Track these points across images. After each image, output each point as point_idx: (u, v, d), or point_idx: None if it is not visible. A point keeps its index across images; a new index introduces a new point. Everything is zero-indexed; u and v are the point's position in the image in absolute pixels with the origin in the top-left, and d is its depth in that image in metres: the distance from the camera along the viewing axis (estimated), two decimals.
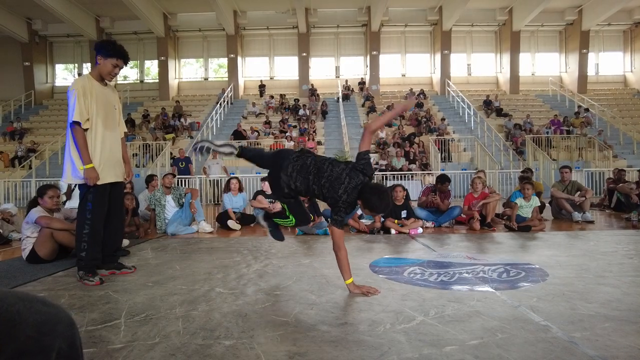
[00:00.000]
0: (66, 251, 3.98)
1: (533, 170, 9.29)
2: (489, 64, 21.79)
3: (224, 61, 22.10)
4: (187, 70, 23.03)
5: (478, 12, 20.11)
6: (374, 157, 14.18)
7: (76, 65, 22.45)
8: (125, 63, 3.30)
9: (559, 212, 6.95)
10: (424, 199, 6.33)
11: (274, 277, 3.16)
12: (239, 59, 21.21)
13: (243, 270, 3.40)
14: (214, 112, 17.20)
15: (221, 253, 4.20)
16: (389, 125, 16.52)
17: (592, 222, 6.35)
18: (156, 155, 13.76)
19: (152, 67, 22.57)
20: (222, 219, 6.23)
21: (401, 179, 12.04)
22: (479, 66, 21.88)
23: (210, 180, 11.66)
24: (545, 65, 21.70)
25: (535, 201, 5.97)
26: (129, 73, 23.03)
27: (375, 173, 12.43)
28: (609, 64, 21.74)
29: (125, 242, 4.61)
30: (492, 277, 3.02)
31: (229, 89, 19.66)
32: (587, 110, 17.14)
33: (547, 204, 7.36)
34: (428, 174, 12.46)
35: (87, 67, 21.96)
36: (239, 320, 2.21)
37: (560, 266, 3.39)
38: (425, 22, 20.78)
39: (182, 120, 17.03)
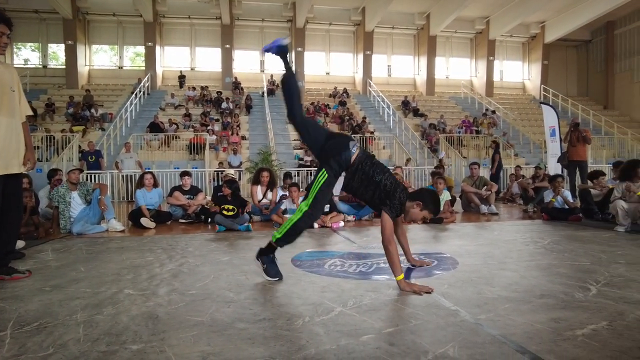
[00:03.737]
0: None
1: (445, 165, 9.93)
2: (408, 66, 22.88)
3: (141, 49, 20.72)
4: (99, 57, 21.25)
5: (399, 15, 21.01)
6: (299, 154, 14.24)
7: None
8: (10, 29, 2.89)
9: (468, 205, 7.49)
10: (346, 194, 6.46)
11: (189, 276, 3.00)
12: (158, 47, 20.03)
13: (156, 270, 3.20)
14: (128, 102, 16.06)
15: (132, 253, 3.92)
16: None
17: (496, 214, 6.93)
18: (62, 148, 12.51)
19: (58, 51, 20.45)
20: (134, 216, 5.83)
21: None
22: (398, 68, 22.88)
23: (123, 176, 10.87)
24: (458, 70, 23.31)
25: (446, 195, 6.37)
26: (29, 56, 20.71)
27: (300, 169, 12.49)
28: (511, 71, 23.95)
29: (20, 243, 4.10)
30: (408, 266, 3.14)
31: (146, 78, 18.49)
32: (494, 112, 18.71)
33: (457, 198, 7.90)
34: None
35: None
36: (149, 322, 2.05)
37: (468, 254, 3.64)
38: (349, 22, 21.25)
39: (92, 110, 15.69)
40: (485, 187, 7.44)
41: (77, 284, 2.80)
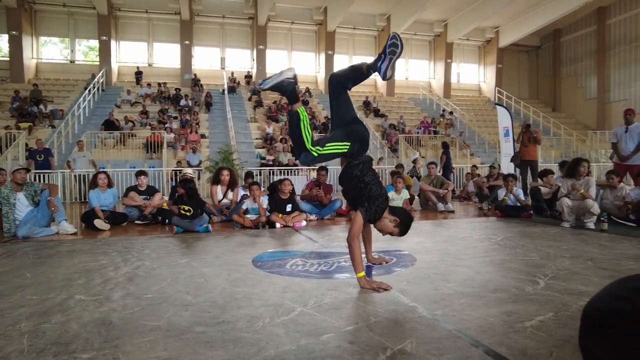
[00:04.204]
0: None
1: (404, 166, 10.17)
2: None
3: (94, 43, 19.81)
4: (48, 50, 20.11)
5: (360, 16, 21.25)
6: (261, 153, 14.11)
7: None
8: None
9: (426, 204, 7.69)
10: (308, 193, 6.47)
11: (145, 279, 2.90)
12: (113, 42, 19.24)
13: (110, 274, 3.07)
14: (81, 98, 15.32)
15: (85, 256, 3.74)
16: (276, 120, 16.59)
17: (452, 211, 7.15)
18: (6, 146, 11.77)
19: (1, 42, 19.17)
20: (88, 218, 5.57)
21: (288, 173, 12.17)
22: None
23: (75, 175, 10.37)
24: (417, 71, 23.87)
25: (405, 194, 6.52)
26: None
27: (262, 168, 12.38)
28: (468, 74, 24.81)
29: None
30: (367, 264, 3.19)
31: (101, 74, 17.72)
32: (451, 113, 19.31)
33: (416, 196, 8.10)
34: (313, 169, 12.79)
35: None
36: (102, 329, 1.97)
37: (426, 251, 3.74)
38: (311, 21, 21.27)
39: (41, 106, 14.85)
40: (443, 185, 7.66)
41: (22, 291, 2.64)
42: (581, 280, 2.73)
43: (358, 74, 2.82)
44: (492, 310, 2.15)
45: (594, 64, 21.58)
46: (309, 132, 2.60)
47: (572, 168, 5.45)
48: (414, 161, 12.14)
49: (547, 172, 6.66)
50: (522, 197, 6.58)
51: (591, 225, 5.05)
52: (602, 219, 4.95)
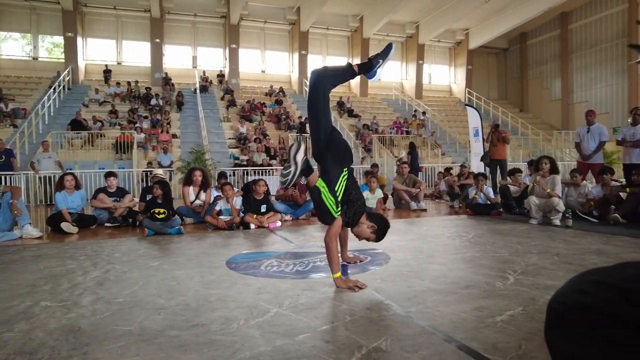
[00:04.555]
0: None
1: (379, 165, 10.28)
2: None
3: (59, 40, 19.09)
4: (8, 46, 19.23)
5: (333, 17, 21.33)
6: (234, 153, 13.96)
7: None
8: None
9: (399, 202, 7.79)
10: (282, 193, 6.45)
11: (116, 283, 2.82)
12: (79, 39, 18.60)
13: (78, 278, 2.97)
14: (46, 97, 14.75)
15: (52, 261, 3.61)
16: (250, 120, 16.45)
17: (425, 210, 7.28)
18: None
19: None
20: (54, 221, 5.37)
21: (262, 174, 12.09)
22: None
23: (40, 177, 9.98)
24: (390, 72, 24.14)
25: (379, 193, 6.59)
26: None
27: (236, 168, 12.26)
28: (439, 75, 25.29)
29: None
30: (342, 263, 3.20)
31: (67, 72, 17.11)
32: (424, 113, 19.63)
33: (389, 195, 8.20)
34: None
35: None
36: (70, 336, 1.90)
37: (400, 250, 3.79)
38: (284, 20, 21.20)
39: (1, 105, 14.21)
40: (415, 184, 7.79)
41: None
42: (548, 275, 2.83)
43: (348, 74, 2.83)
44: (464, 306, 2.20)
45: (558, 67, 22.39)
46: (332, 202, 2.61)
47: (537, 163, 5.69)
48: (399, 159, 12.41)
49: (515, 171, 6.87)
50: (491, 195, 6.77)
51: (557, 222, 5.24)
52: (567, 215, 5.14)
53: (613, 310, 0.85)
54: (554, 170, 5.61)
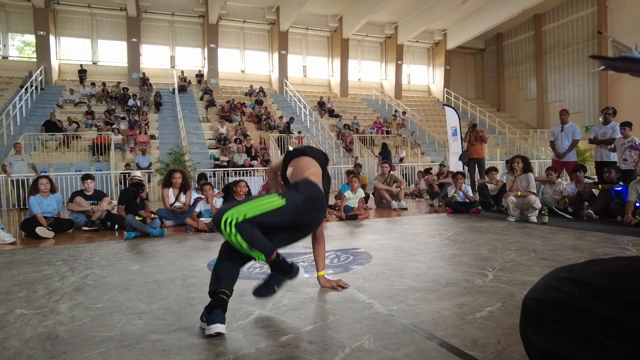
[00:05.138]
0: None
1: (361, 165, 10.35)
2: (322, 67, 23.36)
3: (31, 38, 18.54)
4: None
5: (312, 17, 21.34)
6: (214, 153, 13.83)
7: None
8: None
9: (380, 202, 7.86)
10: (264, 194, 6.42)
11: (95, 288, 2.77)
12: (52, 37, 18.09)
13: (55, 284, 2.90)
14: (17, 98, 14.30)
15: (26, 267, 3.51)
16: (230, 120, 16.32)
17: (405, 208, 7.36)
18: None
19: None
20: (28, 226, 5.22)
21: (243, 175, 12.01)
22: (313, 69, 23.25)
23: (12, 181, 9.68)
24: (369, 72, 24.32)
25: (360, 193, 6.63)
26: None
27: (216, 169, 12.14)
28: (418, 75, 25.60)
29: None
30: (325, 264, 3.21)
31: (39, 71, 16.62)
32: (404, 113, 19.84)
33: (370, 195, 8.26)
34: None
35: None
36: (47, 344, 1.86)
37: (381, 248, 3.82)
38: (264, 20, 21.10)
39: None
40: (395, 184, 7.87)
41: None
42: (525, 271, 2.90)
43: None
44: (444, 304, 2.24)
45: (533, 67, 22.95)
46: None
47: (510, 164, 5.84)
48: (401, 159, 12.61)
49: (490, 170, 7.02)
50: (470, 193, 6.89)
51: (534, 219, 5.38)
52: (543, 212, 5.29)
53: (582, 305, 0.90)
54: (527, 168, 5.75)
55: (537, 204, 5.42)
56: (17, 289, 2.80)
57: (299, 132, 15.88)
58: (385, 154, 12.68)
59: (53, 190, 5.73)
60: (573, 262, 1.02)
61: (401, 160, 12.63)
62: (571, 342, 0.88)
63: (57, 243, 4.79)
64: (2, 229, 4.90)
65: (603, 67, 1.10)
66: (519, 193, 5.53)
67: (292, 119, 16.80)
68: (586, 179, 6.20)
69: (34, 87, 15.78)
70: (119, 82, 17.89)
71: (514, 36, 24.09)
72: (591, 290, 0.89)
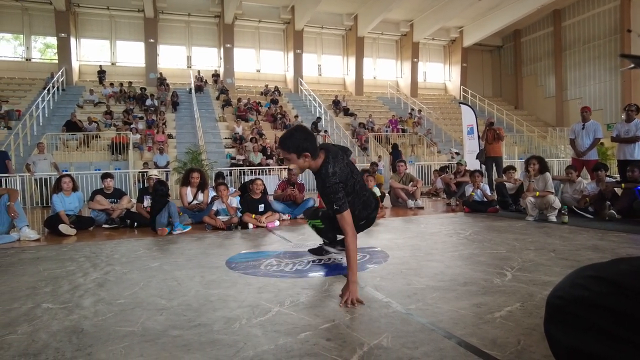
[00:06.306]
0: None
1: (378, 164, 10.34)
2: (337, 66, 23.35)
3: (52, 40, 19.00)
4: (1, 48, 19.10)
5: (327, 15, 21.34)
6: (230, 152, 13.95)
7: None
8: None
9: (396, 201, 7.82)
10: (280, 192, 6.46)
11: (117, 284, 2.83)
12: (73, 39, 18.51)
13: (79, 280, 2.98)
14: (40, 98, 14.68)
15: (51, 263, 3.61)
16: (246, 120, 16.44)
17: (422, 208, 7.31)
18: None
19: None
20: (52, 223, 5.36)
21: (259, 173, 12.09)
22: (328, 67, 23.26)
23: (36, 179, 9.93)
24: (385, 71, 24.21)
25: (376, 191, 6.61)
26: None
27: (232, 168, 12.25)
28: (434, 73, 25.38)
29: None
30: (342, 263, 3.23)
31: (60, 73, 17.03)
32: (419, 111, 19.69)
33: (386, 194, 8.23)
34: (285, 168, 12.77)
35: None
36: (73, 337, 1.91)
37: (398, 247, 3.81)
38: (279, 20, 21.20)
39: None
40: (412, 182, 7.82)
41: None
42: (545, 271, 2.86)
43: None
44: (462, 303, 2.23)
45: (552, 64, 22.53)
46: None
47: (526, 165, 5.75)
48: (456, 154, 12.68)
49: (509, 169, 6.92)
50: (488, 192, 6.80)
51: (553, 218, 5.29)
52: (562, 212, 5.19)
53: (608, 303, 0.89)
54: (544, 169, 5.65)
55: (557, 203, 5.32)
56: (42, 284, 2.88)
57: (326, 131, 15.92)
58: (396, 154, 12.66)
59: (75, 188, 5.87)
60: (595, 262, 1.01)
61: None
62: (598, 340, 0.88)
63: (79, 240, 4.91)
64: (28, 225, 5.03)
65: (633, 65, 1.09)
66: (537, 193, 5.44)
67: (318, 118, 16.85)
68: (607, 178, 6.06)
69: (55, 88, 16.17)
70: (130, 82, 18.18)
71: (532, 32, 23.68)
72: (618, 288, 0.89)
